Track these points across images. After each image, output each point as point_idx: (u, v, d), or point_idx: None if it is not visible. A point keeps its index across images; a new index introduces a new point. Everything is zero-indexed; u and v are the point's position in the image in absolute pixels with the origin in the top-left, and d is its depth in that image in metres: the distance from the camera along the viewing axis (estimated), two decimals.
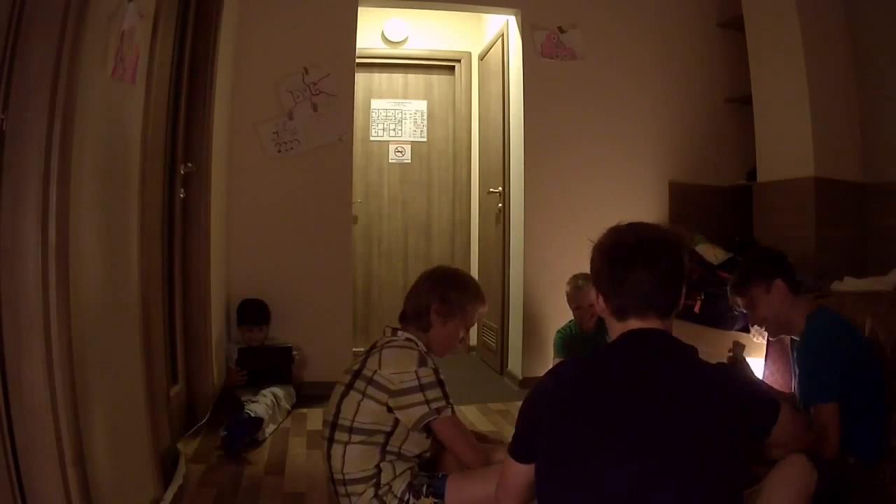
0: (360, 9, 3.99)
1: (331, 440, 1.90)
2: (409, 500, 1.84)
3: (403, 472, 1.88)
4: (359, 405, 1.87)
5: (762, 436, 1.34)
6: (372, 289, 5.20)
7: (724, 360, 2.35)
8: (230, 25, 3.53)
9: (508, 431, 3.16)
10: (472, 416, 3.47)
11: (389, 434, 1.87)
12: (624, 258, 1.35)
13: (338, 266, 3.93)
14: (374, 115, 5.24)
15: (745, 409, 1.28)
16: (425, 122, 5.31)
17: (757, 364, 2.74)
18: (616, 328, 1.37)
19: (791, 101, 3.56)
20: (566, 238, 4.05)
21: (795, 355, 2.20)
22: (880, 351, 2.23)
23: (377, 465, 1.86)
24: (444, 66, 5.32)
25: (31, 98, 1.46)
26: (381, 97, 5.26)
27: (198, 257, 3.14)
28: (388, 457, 1.88)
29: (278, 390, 3.33)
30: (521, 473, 1.41)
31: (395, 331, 2.02)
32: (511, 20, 4.27)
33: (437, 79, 5.34)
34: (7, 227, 1.45)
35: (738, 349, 2.36)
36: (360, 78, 4.81)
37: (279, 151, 3.83)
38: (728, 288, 2.30)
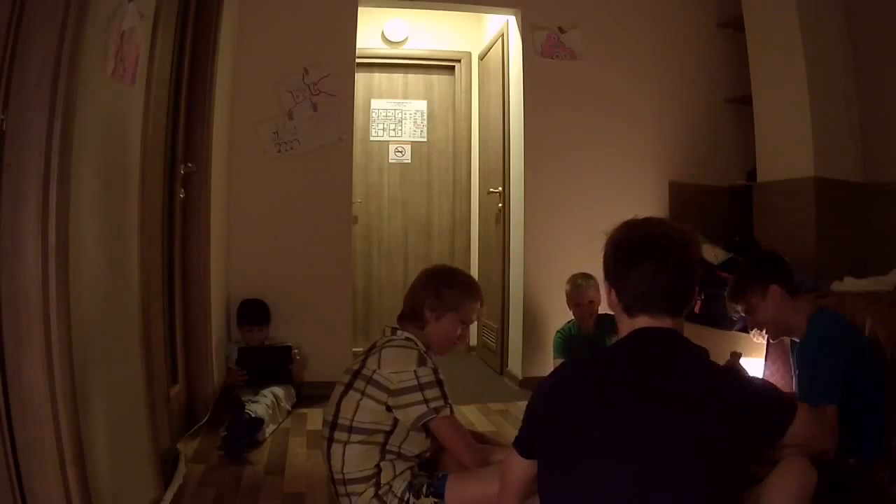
0: (360, 9, 3.99)
1: (330, 440, 1.90)
2: (409, 499, 1.84)
3: (403, 471, 1.88)
4: (358, 404, 1.87)
5: (776, 436, 1.32)
6: (372, 289, 5.20)
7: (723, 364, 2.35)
8: (230, 25, 3.53)
9: (508, 431, 3.16)
10: (472, 416, 3.47)
11: (389, 433, 1.87)
12: (636, 253, 1.34)
13: (338, 266, 3.93)
14: (374, 115, 5.24)
15: (757, 411, 1.27)
16: (425, 122, 5.32)
17: (757, 364, 2.74)
18: (625, 325, 1.36)
19: (791, 101, 3.56)
20: (566, 238, 4.05)
21: (795, 355, 2.20)
22: (880, 351, 2.23)
23: (377, 465, 1.86)
24: (444, 66, 5.32)
25: (31, 98, 1.47)
26: (381, 97, 5.26)
27: (198, 257, 3.14)
28: (388, 456, 1.88)
29: (278, 390, 3.33)
30: (523, 468, 1.42)
31: (394, 330, 2.02)
32: (511, 20, 4.27)
33: (437, 79, 5.34)
34: (7, 227, 1.45)
35: (734, 357, 2.36)
36: (360, 78, 4.81)
37: (279, 151, 3.83)
38: (725, 294, 2.30)
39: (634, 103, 4.18)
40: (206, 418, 3.08)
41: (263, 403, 3.11)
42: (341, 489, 1.89)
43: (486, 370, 4.71)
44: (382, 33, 5.15)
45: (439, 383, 1.89)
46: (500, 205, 4.50)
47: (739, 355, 2.39)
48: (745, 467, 1.26)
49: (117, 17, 1.83)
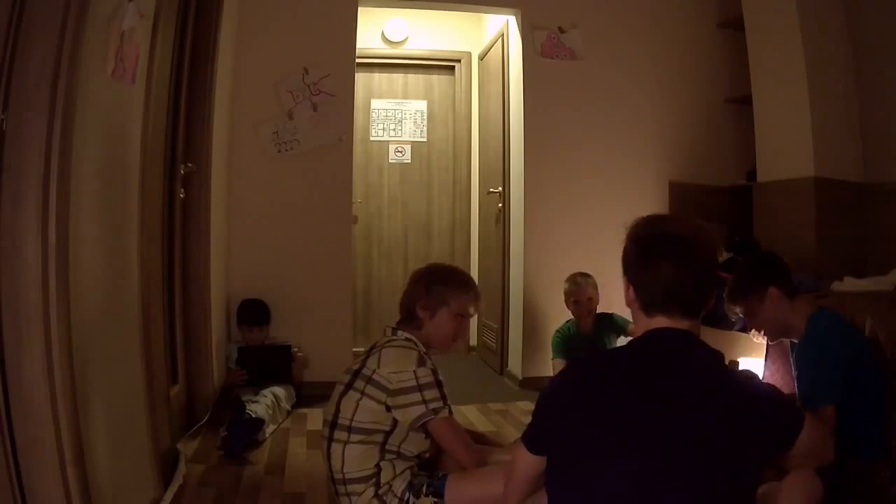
0: (360, 9, 3.99)
1: (330, 439, 1.90)
2: (409, 499, 1.84)
3: (403, 471, 1.88)
4: (358, 404, 1.87)
5: (786, 447, 1.30)
6: (372, 289, 5.20)
7: None
8: (230, 25, 3.53)
9: (508, 431, 3.16)
10: (472, 416, 3.47)
11: (388, 433, 1.87)
12: (657, 250, 1.31)
13: (338, 266, 3.93)
14: (374, 115, 5.24)
15: (765, 418, 1.25)
16: (425, 122, 5.32)
17: (757, 364, 2.75)
18: (642, 323, 1.34)
19: (791, 101, 3.56)
20: (566, 238, 4.06)
21: (794, 356, 2.20)
22: (880, 351, 2.23)
23: (377, 465, 1.86)
24: (444, 66, 5.32)
25: (31, 98, 1.47)
26: (381, 97, 5.26)
27: (198, 257, 3.14)
28: (388, 456, 1.88)
29: (279, 390, 3.33)
30: (530, 463, 1.42)
31: (394, 330, 2.03)
32: (511, 20, 4.27)
33: (437, 79, 5.34)
34: (7, 227, 1.45)
35: (732, 367, 2.36)
36: (360, 78, 4.81)
37: (279, 151, 3.83)
38: (724, 296, 2.30)
39: (634, 103, 4.18)
40: (206, 418, 3.08)
41: (263, 403, 3.11)
42: (341, 489, 1.89)
43: (486, 370, 4.71)
44: (382, 33, 5.15)
45: (438, 384, 1.89)
46: (500, 205, 4.50)
47: (737, 364, 2.39)
48: (751, 470, 1.24)
49: (117, 17, 1.83)
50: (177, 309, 3.01)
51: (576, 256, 3.85)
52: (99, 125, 1.82)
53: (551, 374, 3.59)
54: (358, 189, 4.83)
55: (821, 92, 3.48)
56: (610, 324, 3.49)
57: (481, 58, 5.11)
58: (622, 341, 3.46)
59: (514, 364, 4.26)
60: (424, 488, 1.86)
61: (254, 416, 2.91)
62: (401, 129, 5.29)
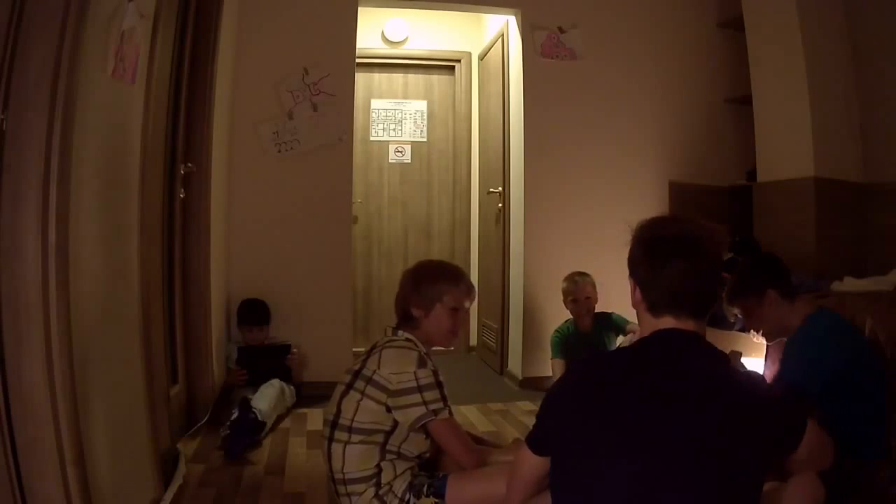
0: (360, 9, 3.99)
1: (331, 439, 1.90)
2: (409, 499, 1.84)
3: (404, 471, 1.88)
4: (358, 405, 1.87)
5: (789, 449, 1.30)
6: (372, 289, 5.20)
7: None
8: (230, 25, 3.53)
9: (508, 431, 3.16)
10: (472, 416, 3.47)
11: (389, 434, 1.87)
12: (666, 250, 1.30)
13: (338, 266, 3.93)
14: (374, 115, 5.24)
15: (772, 418, 1.25)
16: (425, 122, 5.31)
17: (757, 364, 2.75)
18: (649, 324, 1.34)
19: (791, 101, 3.56)
20: (566, 238, 4.06)
21: (785, 347, 2.20)
22: (880, 351, 2.23)
23: (377, 465, 1.86)
24: (444, 66, 5.32)
25: (31, 98, 1.46)
26: (381, 97, 5.26)
27: (198, 257, 3.14)
28: (389, 456, 1.88)
29: (283, 383, 3.34)
30: (533, 464, 1.42)
31: (394, 331, 2.02)
32: (511, 20, 4.27)
33: (437, 79, 5.34)
34: (7, 227, 1.45)
35: (734, 357, 2.36)
36: (360, 78, 4.81)
37: (279, 151, 3.83)
38: (723, 296, 2.30)
39: (634, 103, 4.19)
40: (206, 418, 3.08)
41: (269, 395, 3.11)
42: (341, 489, 1.89)
43: (486, 370, 4.71)
44: (382, 33, 5.15)
45: (439, 385, 1.89)
46: (500, 205, 4.50)
47: (739, 354, 2.39)
48: (753, 472, 1.23)
49: (117, 17, 1.83)
50: (177, 309, 3.01)
51: (576, 256, 3.84)
52: (99, 125, 1.81)
53: (551, 374, 3.60)
54: (358, 189, 4.83)
55: (821, 92, 3.48)
56: (609, 323, 3.49)
57: (481, 58, 5.11)
58: (621, 341, 3.46)
59: (514, 364, 4.26)
60: (425, 489, 1.86)
61: (259, 417, 2.91)
62: (401, 129, 5.29)
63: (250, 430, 2.85)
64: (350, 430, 1.87)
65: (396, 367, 1.87)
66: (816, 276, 3.19)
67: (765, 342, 2.66)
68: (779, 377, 2.11)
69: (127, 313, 2.10)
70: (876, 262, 3.31)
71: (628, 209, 4.10)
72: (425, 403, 1.85)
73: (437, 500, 1.85)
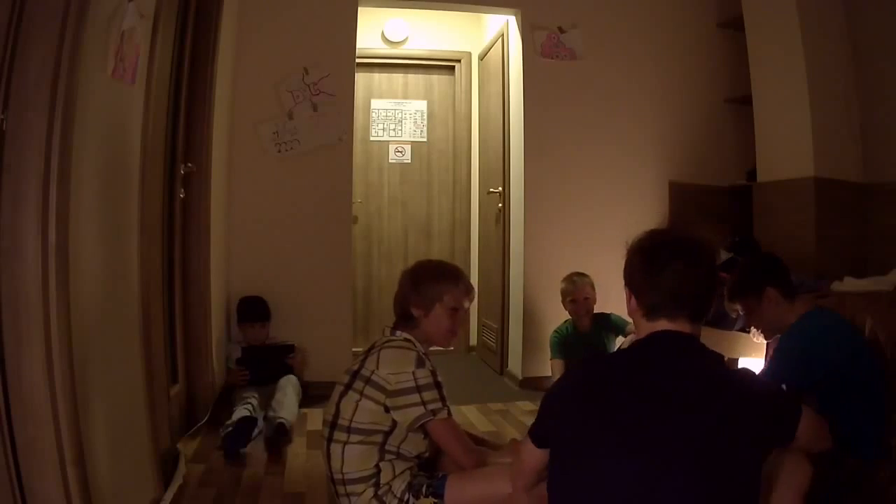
0: (360, 9, 3.99)
1: (330, 439, 1.90)
2: (408, 499, 1.84)
3: (403, 472, 1.88)
4: (357, 405, 1.87)
5: (785, 440, 1.34)
6: (372, 289, 5.20)
7: None
8: (230, 25, 3.54)
9: (508, 431, 3.16)
10: (472, 416, 3.47)
11: (388, 434, 1.87)
12: (664, 256, 1.35)
13: (338, 266, 3.93)
14: (374, 115, 5.24)
15: (764, 414, 1.28)
16: (425, 122, 5.31)
17: (757, 364, 2.75)
18: (644, 328, 1.37)
19: (791, 101, 3.56)
20: (566, 238, 4.06)
21: (778, 340, 2.21)
22: (880, 351, 2.23)
23: (376, 465, 1.86)
24: (444, 66, 5.32)
25: (31, 98, 1.47)
26: (381, 97, 5.26)
27: (198, 257, 3.14)
28: (388, 456, 1.88)
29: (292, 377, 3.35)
30: (535, 456, 1.46)
31: (393, 331, 2.02)
32: (511, 20, 4.27)
33: (437, 79, 5.34)
34: (7, 227, 1.45)
35: (730, 365, 2.38)
36: (360, 78, 4.81)
37: (279, 151, 3.83)
38: (725, 294, 2.32)
39: (634, 103, 4.18)
40: (206, 418, 3.08)
41: (289, 403, 3.11)
42: (341, 489, 1.89)
43: (486, 370, 4.71)
44: (382, 33, 5.15)
45: (437, 385, 1.89)
46: (500, 205, 4.50)
47: (735, 363, 2.41)
48: (752, 467, 1.25)
49: (117, 17, 1.83)
50: (177, 309, 3.01)
51: (576, 256, 3.85)
52: (99, 125, 1.82)
53: (550, 374, 3.60)
54: (358, 189, 4.83)
55: (821, 92, 3.48)
56: (608, 323, 3.49)
57: (481, 58, 5.11)
58: (620, 341, 3.46)
59: (514, 364, 4.26)
60: (424, 489, 1.85)
61: (287, 426, 2.93)
62: (401, 129, 5.29)
63: (248, 430, 2.85)
64: (349, 430, 1.87)
65: (395, 368, 1.87)
66: (816, 276, 3.19)
67: (765, 343, 2.67)
68: (767, 367, 2.12)
69: (127, 313, 2.10)
70: (876, 262, 3.31)
71: (628, 209, 4.11)
72: (424, 403, 1.85)
73: (435, 501, 1.85)
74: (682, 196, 4.20)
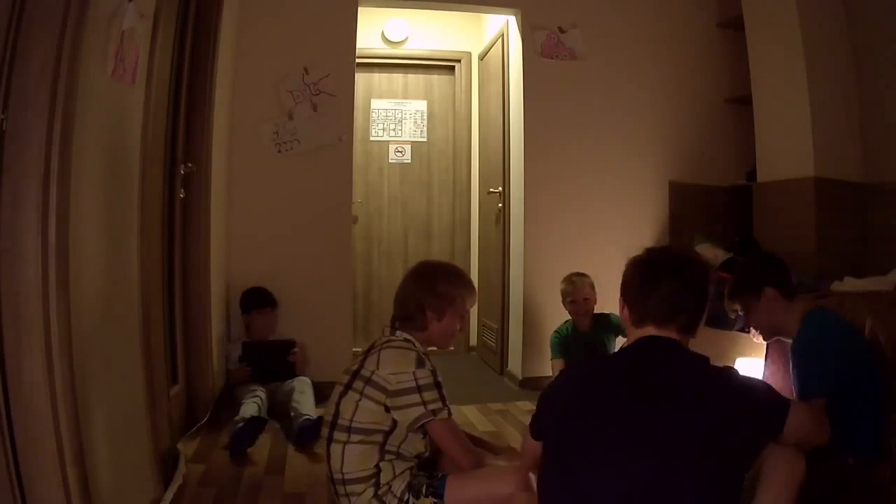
0: (360, 9, 3.98)
1: (330, 439, 1.90)
2: (408, 499, 1.84)
3: (403, 471, 1.88)
4: (357, 405, 1.87)
5: (773, 434, 1.38)
6: (372, 289, 5.20)
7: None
8: (230, 25, 3.53)
9: (508, 431, 3.16)
10: (472, 416, 3.47)
11: (388, 434, 1.87)
12: (658, 269, 1.44)
13: (338, 266, 3.93)
14: (374, 115, 5.24)
15: (753, 410, 1.31)
16: (425, 122, 5.31)
17: (757, 364, 2.75)
18: (633, 335, 1.44)
19: (791, 101, 3.56)
20: (566, 238, 4.05)
21: (790, 352, 2.21)
22: (880, 351, 2.23)
23: (376, 465, 1.86)
24: (444, 66, 5.32)
25: (31, 98, 1.46)
26: (381, 97, 5.26)
27: (198, 257, 3.14)
28: (388, 456, 1.88)
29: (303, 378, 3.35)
30: (537, 446, 1.54)
31: (393, 331, 2.02)
32: (511, 20, 4.27)
33: (437, 79, 5.34)
34: (7, 227, 1.45)
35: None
36: (360, 78, 4.81)
37: (279, 151, 3.83)
38: (725, 293, 2.32)
39: (634, 103, 4.18)
40: (206, 418, 3.08)
41: (308, 401, 3.12)
42: (341, 489, 1.89)
43: (486, 370, 4.71)
44: (382, 33, 5.15)
45: (437, 385, 1.88)
46: (500, 205, 4.50)
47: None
48: (743, 463, 1.28)
49: (117, 17, 1.83)
50: (177, 309, 3.01)
51: (576, 256, 3.85)
52: (99, 125, 1.82)
53: (551, 374, 3.60)
54: (358, 189, 4.83)
55: (821, 92, 3.48)
56: (608, 324, 3.49)
57: (481, 58, 5.11)
58: (620, 341, 3.46)
59: (514, 364, 4.26)
60: (424, 489, 1.85)
61: (314, 417, 2.93)
62: (401, 129, 5.29)
63: (254, 429, 2.85)
64: (349, 430, 1.86)
65: (395, 368, 1.87)
66: (816, 276, 3.19)
67: (764, 343, 2.67)
68: (796, 382, 2.10)
69: (127, 313, 2.10)
70: (876, 262, 3.31)
71: (628, 209, 4.11)
72: (424, 404, 1.85)
73: (435, 501, 1.85)
74: (682, 196, 4.21)
